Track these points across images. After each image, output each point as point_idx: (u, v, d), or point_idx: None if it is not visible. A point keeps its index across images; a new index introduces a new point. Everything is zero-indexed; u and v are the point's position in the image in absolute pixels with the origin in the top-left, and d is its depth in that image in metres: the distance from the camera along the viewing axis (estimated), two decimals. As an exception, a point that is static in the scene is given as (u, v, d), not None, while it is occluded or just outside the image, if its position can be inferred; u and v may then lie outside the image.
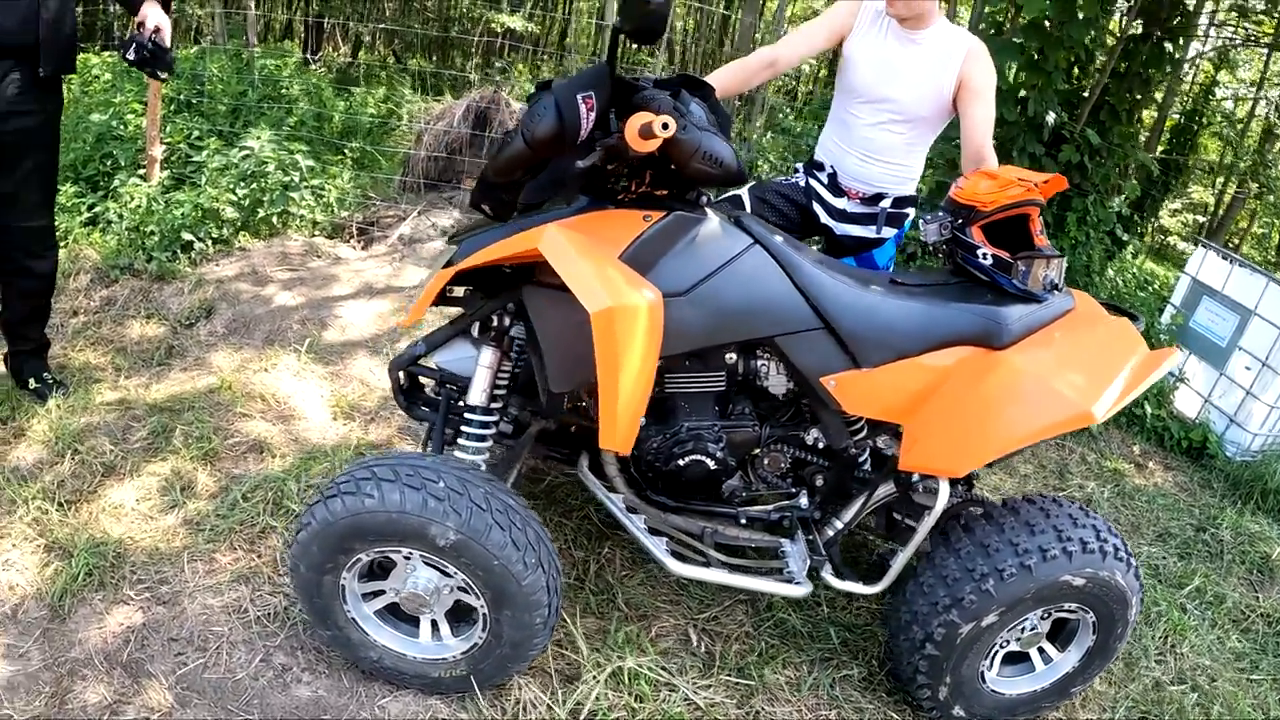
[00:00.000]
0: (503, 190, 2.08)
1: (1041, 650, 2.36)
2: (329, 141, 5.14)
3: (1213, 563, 3.66)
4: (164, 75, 2.86)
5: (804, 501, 2.45)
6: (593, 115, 1.88)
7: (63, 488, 2.80)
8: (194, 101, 4.99)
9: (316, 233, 4.69)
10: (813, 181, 3.00)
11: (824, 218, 2.97)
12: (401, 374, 2.46)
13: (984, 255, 2.17)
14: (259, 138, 4.38)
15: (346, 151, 5.06)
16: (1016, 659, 2.38)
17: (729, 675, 2.48)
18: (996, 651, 2.27)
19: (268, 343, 3.77)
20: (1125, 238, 5.33)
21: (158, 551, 2.60)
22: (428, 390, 2.60)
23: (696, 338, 2.09)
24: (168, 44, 2.72)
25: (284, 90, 5.30)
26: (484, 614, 2.08)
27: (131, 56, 2.72)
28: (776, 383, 2.29)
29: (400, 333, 3.95)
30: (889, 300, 2.12)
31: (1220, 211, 7.61)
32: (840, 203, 2.93)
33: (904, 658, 2.28)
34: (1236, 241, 7.73)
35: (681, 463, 2.28)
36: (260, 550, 2.66)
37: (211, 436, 3.09)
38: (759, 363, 2.27)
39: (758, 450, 2.39)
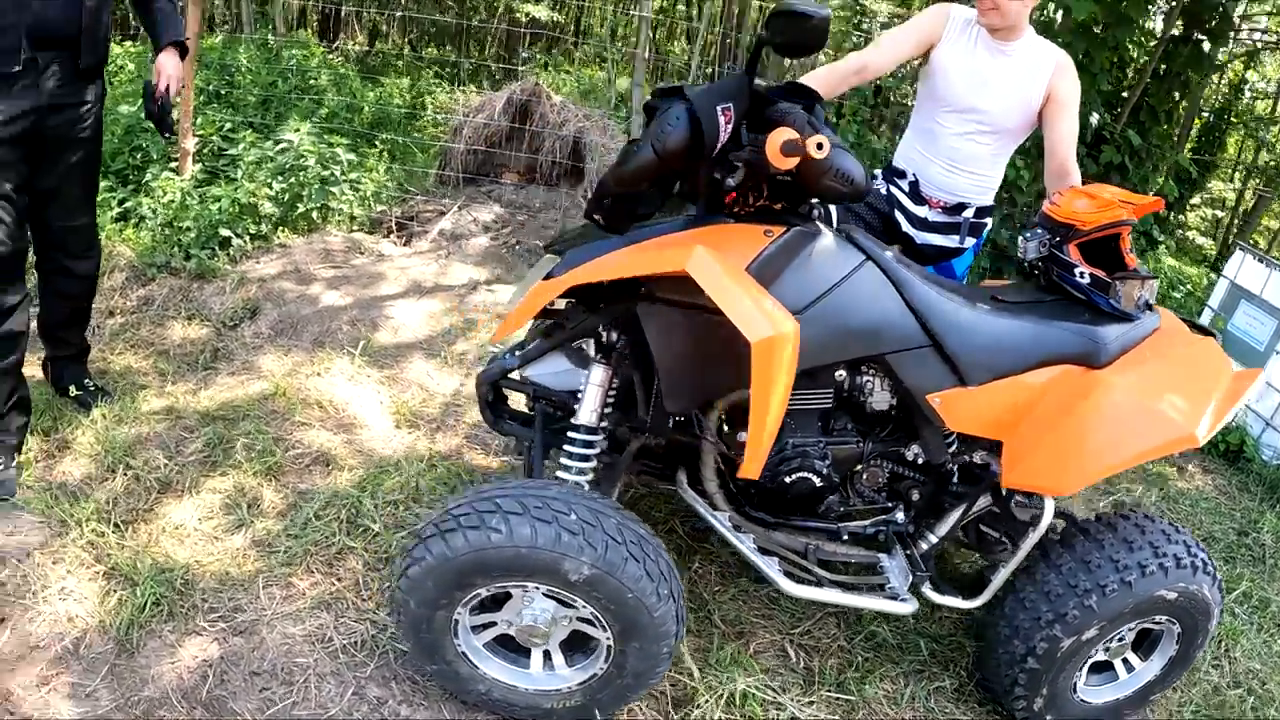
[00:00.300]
0: (622, 201, 1.90)
1: (1125, 659, 2.34)
2: (360, 133, 4.84)
3: (1256, 567, 3.54)
4: (167, 135, 2.82)
5: (900, 516, 2.34)
6: (729, 128, 1.78)
7: (117, 507, 2.52)
8: (223, 92, 4.67)
9: (355, 228, 4.40)
10: (893, 189, 2.88)
11: (905, 226, 2.85)
12: (487, 387, 2.28)
13: (1081, 274, 2.13)
14: (297, 130, 4.08)
15: (378, 143, 4.75)
16: (1101, 668, 2.33)
17: (829, 691, 2.37)
18: (1087, 662, 2.24)
19: (317, 345, 3.49)
20: (1160, 238, 5.17)
21: (229, 576, 2.34)
22: (509, 401, 2.41)
23: (811, 356, 1.95)
24: (174, 101, 2.72)
25: (312, 80, 4.99)
26: (608, 645, 1.92)
27: (144, 112, 2.73)
28: (879, 399, 2.18)
29: (455, 334, 3.69)
30: (993, 318, 2.05)
31: (1242, 209, 7.47)
32: (921, 211, 2.81)
33: (1002, 670, 2.23)
34: (1263, 244, 7.56)
35: (788, 480, 2.14)
36: (339, 573, 2.40)
37: (273, 449, 2.82)
38: (864, 379, 2.16)
39: (859, 466, 2.28)
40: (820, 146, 1.65)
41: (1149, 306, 2.17)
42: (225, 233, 3.83)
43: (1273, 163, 6.79)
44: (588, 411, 2.12)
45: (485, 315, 3.82)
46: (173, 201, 3.85)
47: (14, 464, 2.57)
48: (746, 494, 2.30)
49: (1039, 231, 2.20)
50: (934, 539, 2.33)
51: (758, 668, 2.36)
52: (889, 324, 1.98)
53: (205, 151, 4.25)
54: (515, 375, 2.26)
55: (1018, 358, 2.04)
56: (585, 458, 2.15)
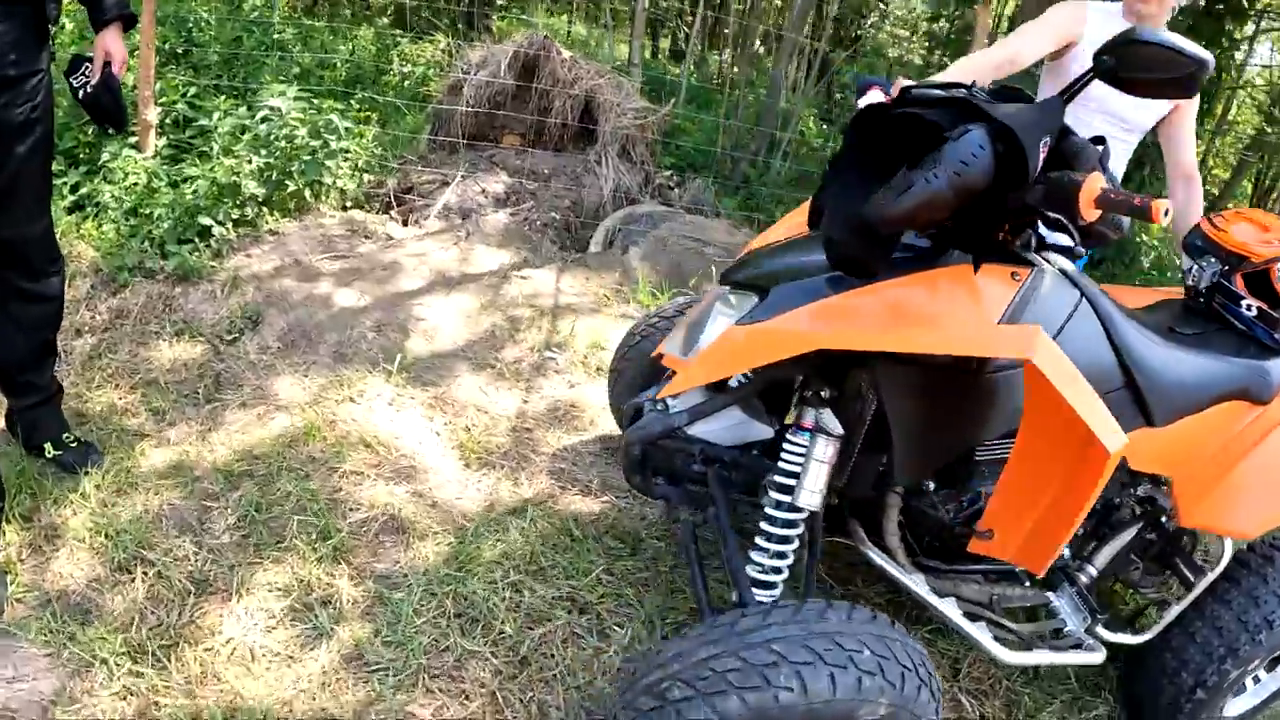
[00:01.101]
0: (886, 243, 1.45)
1: (1255, 675, 2.25)
2: (336, 92, 3.88)
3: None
4: (111, 130, 2.12)
5: (1065, 551, 2.06)
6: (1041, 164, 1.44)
7: (145, 624, 1.77)
8: (181, 52, 3.62)
9: (348, 204, 3.52)
10: None
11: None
12: (639, 446, 1.74)
13: (1249, 306, 1.98)
14: (282, 94, 3.15)
15: (354, 103, 3.81)
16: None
17: (1007, 737, 2.02)
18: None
19: (340, 360, 2.70)
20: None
21: (328, 716, 1.65)
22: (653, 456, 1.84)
23: None
24: (119, 84, 2.00)
25: (278, 35, 3.97)
26: None
27: (80, 96, 1.97)
28: None
29: (502, 339, 2.94)
30: (1175, 354, 1.86)
31: (1211, 167, 7.22)
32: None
33: (1165, 700, 2.12)
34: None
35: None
36: (469, 690, 1.74)
37: (330, 519, 2.08)
38: None
39: None
40: (1167, 213, 1.34)
41: None
42: (205, 221, 2.93)
43: (1254, 127, 6.55)
44: (808, 493, 1.61)
45: (530, 313, 3.09)
46: (137, 184, 2.92)
47: (-8, 570, 1.78)
48: (921, 542, 1.96)
49: (1212, 260, 2.03)
50: (1093, 571, 2.08)
51: (948, 726, 1.93)
52: (1100, 366, 1.70)
53: (168, 122, 3.26)
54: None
55: (1198, 396, 1.87)
56: (787, 539, 1.65)
